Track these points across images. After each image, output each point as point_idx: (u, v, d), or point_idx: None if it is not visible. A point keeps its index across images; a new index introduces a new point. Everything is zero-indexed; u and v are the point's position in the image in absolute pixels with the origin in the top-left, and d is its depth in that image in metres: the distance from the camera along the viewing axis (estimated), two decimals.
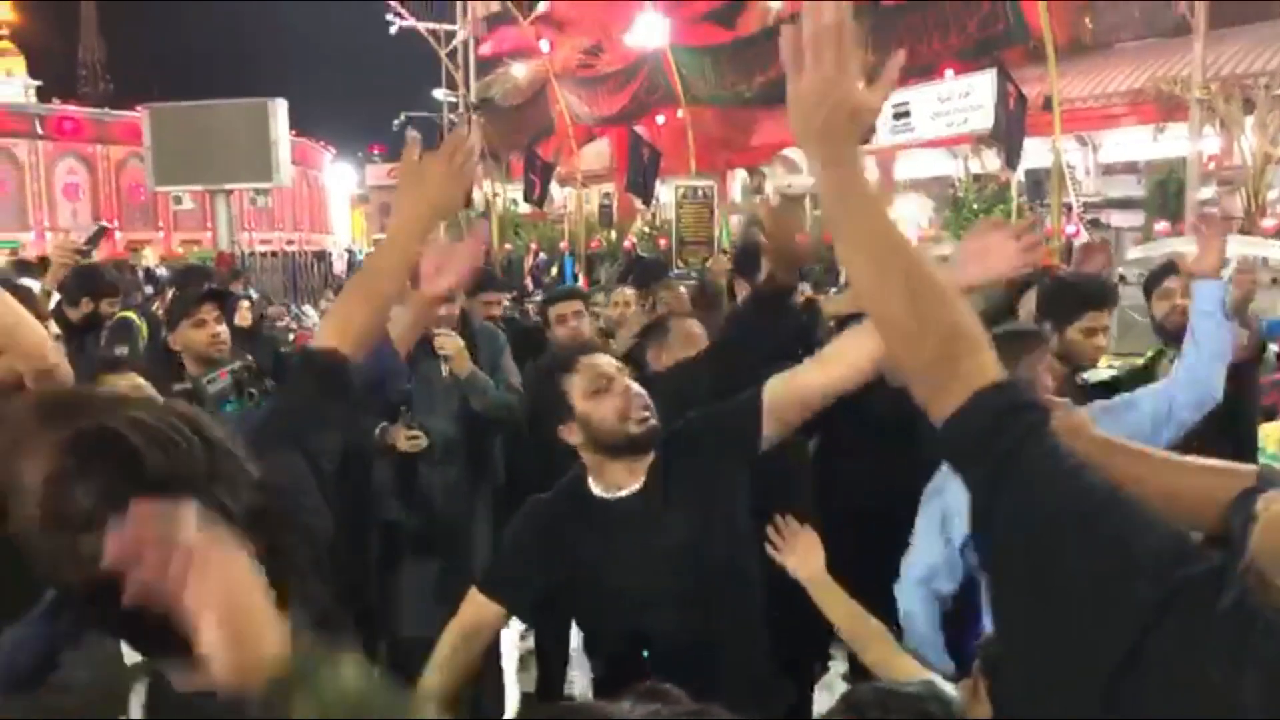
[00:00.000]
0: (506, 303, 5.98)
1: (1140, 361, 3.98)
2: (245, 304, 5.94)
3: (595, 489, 2.37)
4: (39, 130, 41.55)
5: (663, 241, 21.79)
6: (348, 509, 2.81)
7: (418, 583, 3.85)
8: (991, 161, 16.55)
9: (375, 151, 59.11)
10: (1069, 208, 13.85)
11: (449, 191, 1.93)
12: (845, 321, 2.98)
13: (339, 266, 23.13)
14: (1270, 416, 4.45)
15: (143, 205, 41.66)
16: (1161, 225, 15.63)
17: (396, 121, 37.07)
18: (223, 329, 4.07)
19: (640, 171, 20.92)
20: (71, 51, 73.37)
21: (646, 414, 2.32)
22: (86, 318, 5.40)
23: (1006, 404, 1.13)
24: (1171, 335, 3.63)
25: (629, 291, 5.40)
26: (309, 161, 49.49)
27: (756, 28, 22.14)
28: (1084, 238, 13.36)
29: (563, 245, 25.37)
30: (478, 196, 29.38)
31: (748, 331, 3.11)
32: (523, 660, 5.07)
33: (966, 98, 14.48)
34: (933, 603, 2.73)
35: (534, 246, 25.85)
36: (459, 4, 29.89)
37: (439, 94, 33.58)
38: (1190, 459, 1.46)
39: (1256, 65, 17.43)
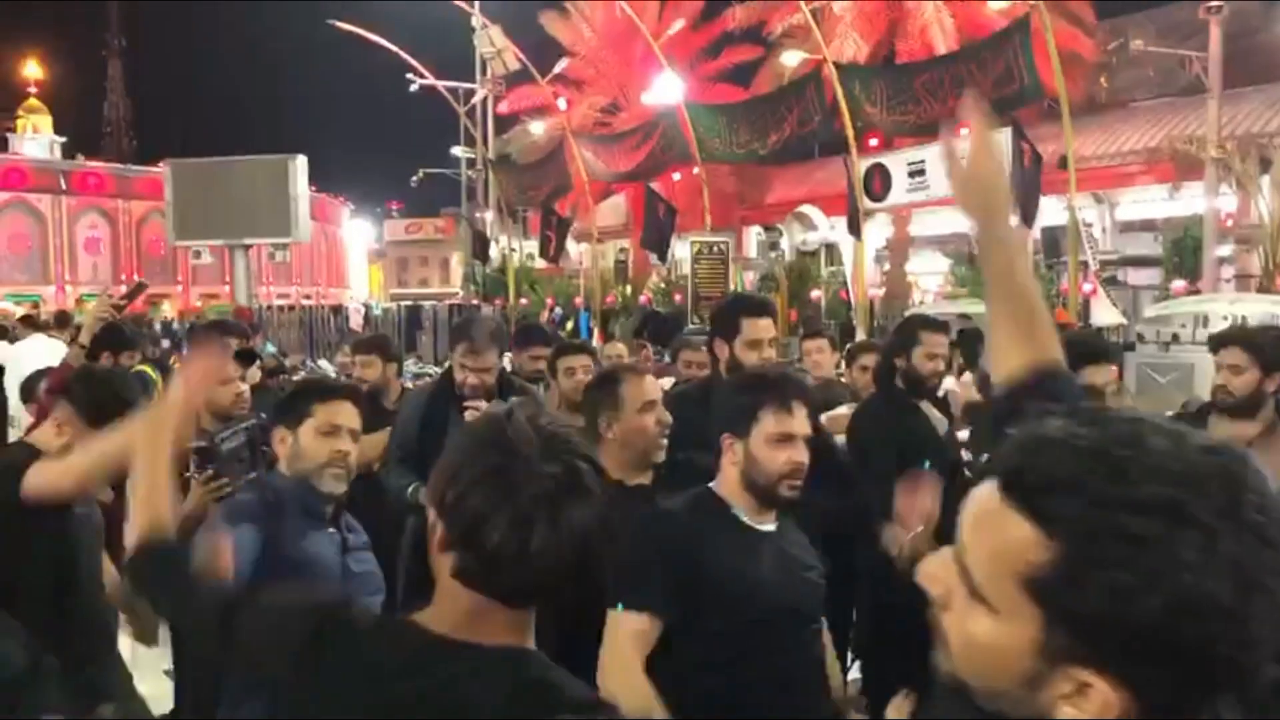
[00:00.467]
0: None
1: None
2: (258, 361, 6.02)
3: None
4: (63, 185, 42.19)
5: (678, 297, 21.83)
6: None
7: None
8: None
9: (393, 207, 59.71)
10: (1085, 266, 13.81)
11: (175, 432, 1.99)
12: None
13: (355, 320, 23.25)
14: None
15: (162, 259, 42.13)
16: (1178, 284, 15.57)
17: (415, 178, 37.44)
18: (246, 388, 4.10)
19: (656, 227, 21.01)
20: (98, 109, 74.63)
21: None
22: None
23: None
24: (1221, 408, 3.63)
25: (620, 346, 5.38)
26: (327, 217, 50.04)
27: (771, 87, 22.34)
28: (1101, 296, 13.30)
29: (578, 300, 25.43)
30: (494, 252, 29.56)
31: None
32: None
33: None
34: None
35: (550, 302, 25.93)
36: (477, 63, 30.28)
37: (457, 151, 33.86)
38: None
39: (1272, 124, 17.49)
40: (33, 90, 57.68)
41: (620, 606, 2.38)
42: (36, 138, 53.90)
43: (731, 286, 20.42)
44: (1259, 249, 15.46)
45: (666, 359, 7.72)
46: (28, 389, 6.03)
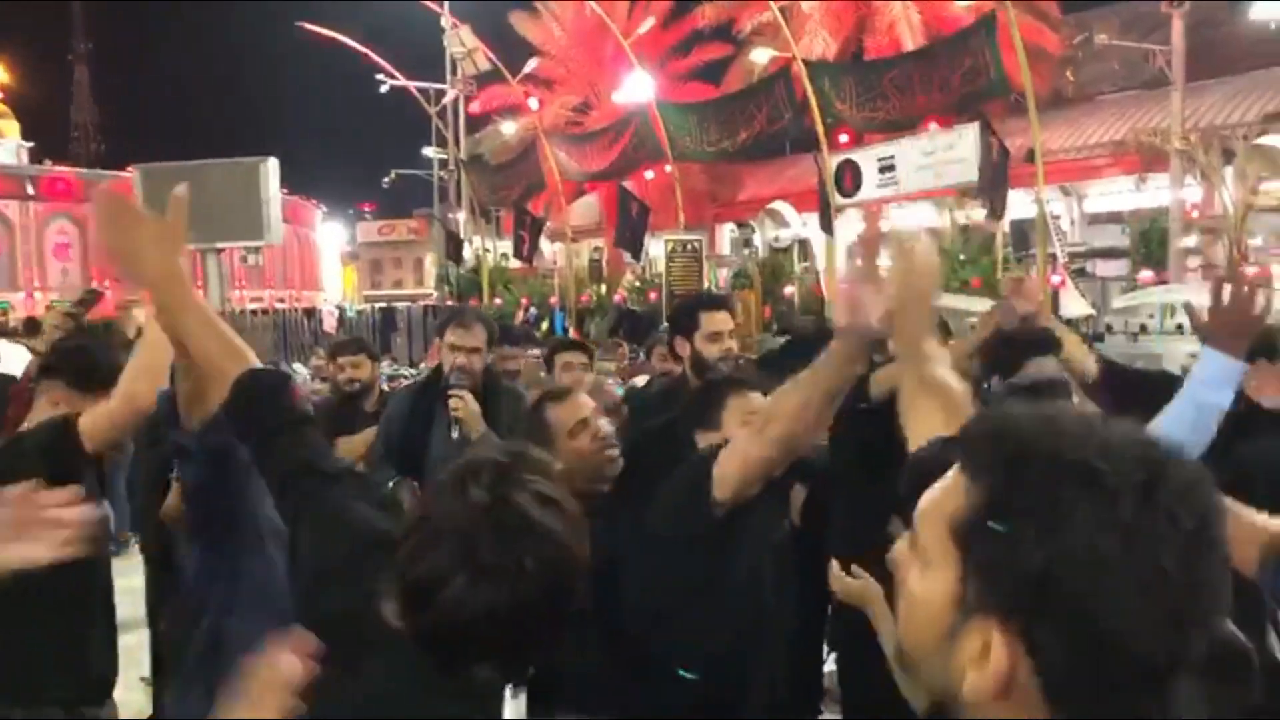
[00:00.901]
0: (534, 355, 5.73)
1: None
2: None
3: None
4: (30, 191, 41.72)
5: (653, 295, 21.88)
6: None
7: None
8: (977, 213, 16.71)
9: (366, 209, 59.39)
10: (1054, 258, 13.96)
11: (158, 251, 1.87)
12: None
13: (329, 323, 23.16)
14: None
15: None
16: (1145, 274, 15.76)
17: (386, 179, 37.30)
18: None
19: (629, 226, 21.06)
20: (64, 114, 73.90)
21: None
22: None
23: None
24: None
25: (582, 356, 5.10)
26: (300, 219, 49.73)
27: (741, 84, 22.43)
28: (1069, 288, 13.44)
29: (553, 300, 25.43)
30: (468, 252, 29.52)
31: None
32: None
33: (950, 151, 14.66)
34: None
35: (524, 301, 25.93)
36: (448, 63, 30.22)
37: (429, 151, 33.79)
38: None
39: (1234, 116, 17.71)
40: None
41: None
42: (3, 143, 53.24)
43: (705, 284, 20.49)
44: (1223, 239, 15.67)
45: (642, 356, 7.81)
46: None
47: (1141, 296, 14.05)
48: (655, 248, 23.21)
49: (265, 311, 26.99)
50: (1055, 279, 13.63)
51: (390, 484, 3.83)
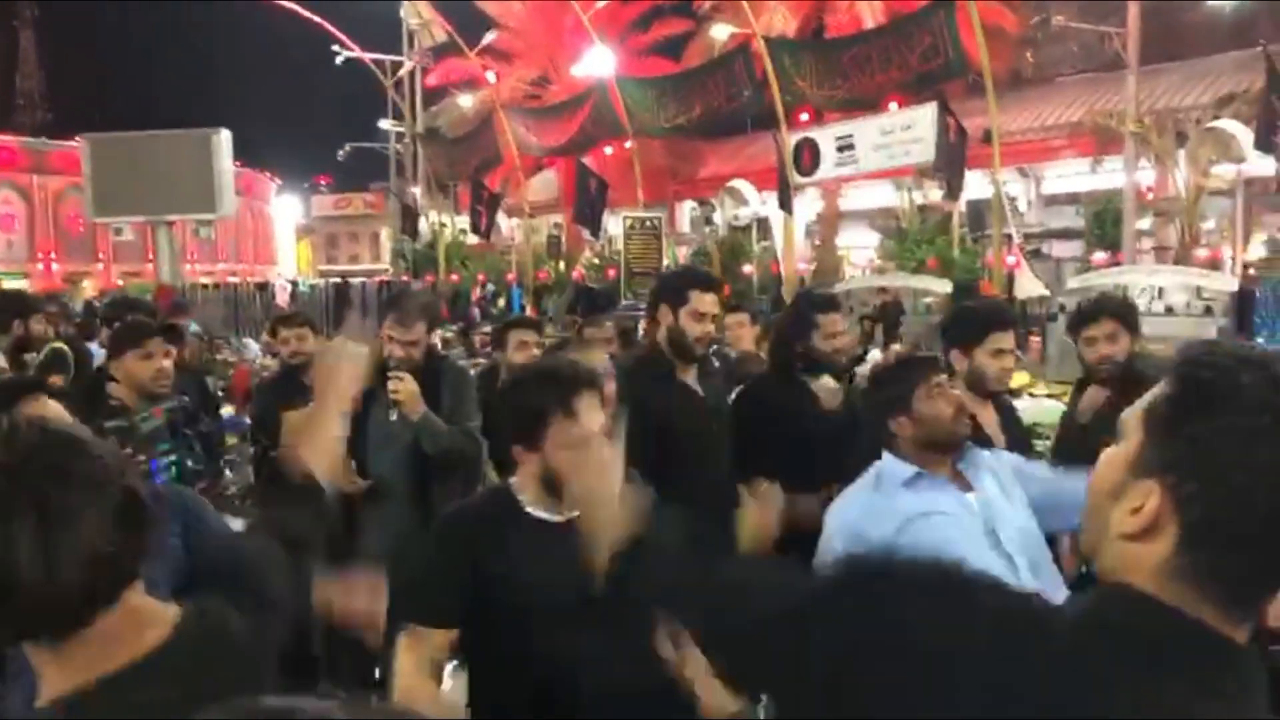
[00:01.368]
0: (448, 335, 5.84)
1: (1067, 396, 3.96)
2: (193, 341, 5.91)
3: None
4: None
5: (611, 272, 21.82)
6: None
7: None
8: (934, 193, 16.79)
9: (321, 182, 58.66)
10: (1009, 238, 14.07)
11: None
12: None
13: (281, 298, 22.86)
14: None
15: (81, 237, 40.92)
16: (1099, 255, 15.93)
17: (342, 152, 36.88)
18: (169, 364, 4.01)
19: (588, 203, 20.97)
20: (9, 81, 72.16)
21: None
22: (20, 340, 5.46)
23: None
24: (1099, 378, 3.65)
25: (534, 334, 5.06)
26: (254, 192, 49.00)
27: (702, 60, 22.32)
28: (1024, 268, 13.56)
29: (510, 276, 25.31)
30: (424, 227, 29.25)
31: None
32: None
33: (908, 130, 14.68)
34: None
35: (481, 278, 25.76)
36: (405, 35, 29.84)
37: (385, 124, 33.43)
38: None
39: (1188, 100, 17.91)
40: None
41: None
42: None
43: (665, 262, 20.45)
44: (1176, 221, 15.87)
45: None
46: None
47: (1095, 278, 14.20)
48: (614, 225, 23.12)
49: (217, 286, 26.59)
50: (1010, 260, 13.74)
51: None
